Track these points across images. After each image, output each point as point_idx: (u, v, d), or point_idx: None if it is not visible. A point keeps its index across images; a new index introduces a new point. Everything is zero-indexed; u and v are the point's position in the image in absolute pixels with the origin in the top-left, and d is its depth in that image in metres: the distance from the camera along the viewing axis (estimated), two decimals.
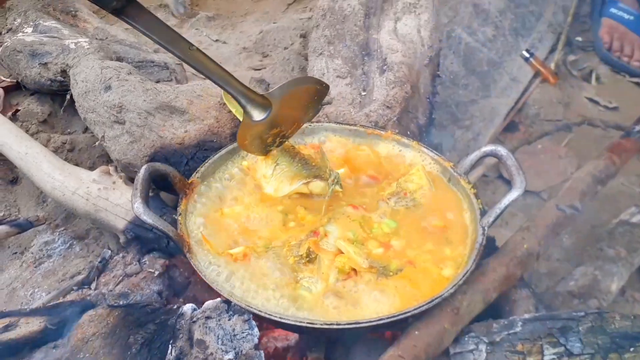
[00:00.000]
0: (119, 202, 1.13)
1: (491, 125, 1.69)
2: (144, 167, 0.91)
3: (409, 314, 0.78)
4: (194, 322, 0.82)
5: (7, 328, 1.01)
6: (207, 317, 0.81)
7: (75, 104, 1.28)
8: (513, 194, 0.91)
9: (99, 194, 1.14)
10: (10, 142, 1.27)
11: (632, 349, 0.78)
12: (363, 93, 1.26)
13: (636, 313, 0.88)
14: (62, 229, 1.35)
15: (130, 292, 1.07)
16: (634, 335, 0.78)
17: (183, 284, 1.11)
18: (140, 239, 1.12)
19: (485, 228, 0.91)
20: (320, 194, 0.98)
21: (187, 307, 0.85)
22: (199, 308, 0.84)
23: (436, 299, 0.80)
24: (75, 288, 1.12)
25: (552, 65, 1.92)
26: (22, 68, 1.56)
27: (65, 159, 1.47)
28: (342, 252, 0.88)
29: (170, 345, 0.80)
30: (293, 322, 0.78)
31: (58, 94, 1.58)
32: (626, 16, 2.03)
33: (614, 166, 1.18)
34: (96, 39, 1.56)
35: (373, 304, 0.83)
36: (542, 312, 0.93)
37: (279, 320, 0.78)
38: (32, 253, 1.28)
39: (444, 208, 0.99)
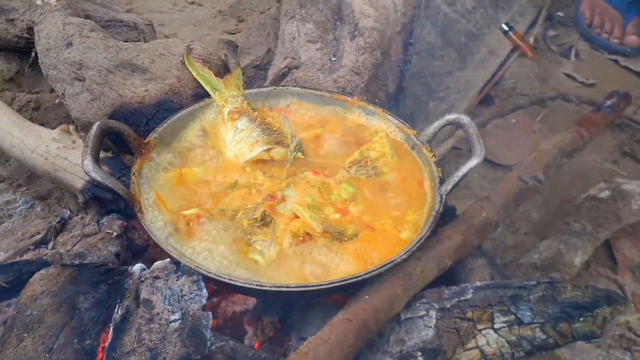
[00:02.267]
0: (78, 161, 1.10)
1: (466, 98, 1.67)
2: (97, 123, 0.89)
3: (358, 279, 0.77)
4: (142, 281, 0.80)
5: None
6: (155, 277, 0.80)
7: (39, 60, 1.24)
8: (472, 162, 0.89)
9: (58, 152, 1.11)
10: None
11: (581, 319, 0.77)
12: (333, 59, 1.24)
13: (588, 284, 0.88)
14: (24, 188, 1.33)
15: (87, 252, 1.05)
16: (584, 305, 0.78)
17: (141, 246, 1.09)
18: (99, 199, 1.10)
19: (443, 196, 0.90)
20: (281, 160, 0.96)
21: (136, 267, 0.84)
22: (148, 268, 0.82)
23: (388, 264, 0.79)
24: (32, 247, 1.10)
25: (531, 40, 1.90)
26: None
27: (30, 118, 1.44)
28: (298, 217, 0.87)
29: (117, 305, 0.79)
30: (242, 285, 0.77)
31: (25, 51, 1.53)
32: None
33: (581, 140, 1.18)
34: None
35: (327, 267, 0.82)
36: (498, 280, 0.92)
37: (228, 282, 0.77)
38: None
39: (405, 176, 0.97)
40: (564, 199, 1.51)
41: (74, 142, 1.14)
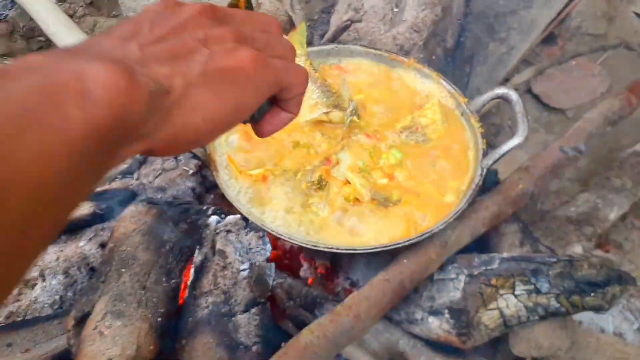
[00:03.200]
0: None
1: (528, 39, 1.68)
2: None
3: (399, 245, 0.90)
4: (217, 233, 0.96)
5: None
6: (228, 231, 0.95)
7: None
8: (514, 141, 0.97)
9: None
10: (61, 32, 1.36)
11: (592, 294, 0.88)
12: (395, 9, 1.29)
13: (605, 264, 0.98)
14: None
15: (167, 186, 1.22)
16: (596, 282, 0.88)
17: (213, 182, 1.24)
18: None
19: (484, 169, 0.99)
20: (338, 122, 1.06)
21: (212, 219, 0.99)
22: (222, 220, 0.98)
23: (426, 234, 0.91)
24: (119, 177, 1.27)
25: None
26: None
27: None
28: (349, 182, 0.99)
29: (197, 250, 0.95)
30: (299, 243, 0.91)
31: None
32: None
33: (629, 107, 1.21)
34: None
35: (374, 230, 0.95)
36: (527, 247, 1.04)
37: (288, 240, 0.91)
38: None
39: (452, 143, 1.06)
40: (612, 148, 1.56)
41: None
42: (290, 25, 1.22)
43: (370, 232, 0.94)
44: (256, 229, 0.94)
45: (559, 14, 1.75)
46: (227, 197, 0.95)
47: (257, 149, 1.04)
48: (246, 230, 0.94)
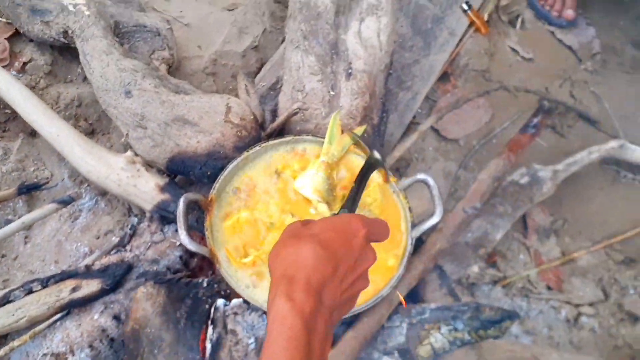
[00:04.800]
0: (146, 189, 1.48)
1: (428, 82, 2.04)
2: (181, 201, 1.27)
3: (368, 307, 1.26)
4: (227, 316, 1.27)
5: (74, 290, 1.42)
6: (235, 313, 1.26)
7: (95, 94, 1.54)
8: (434, 220, 1.35)
9: (128, 181, 1.48)
10: (42, 121, 1.54)
11: (492, 328, 1.31)
12: (332, 92, 1.59)
13: (500, 307, 1.40)
14: (86, 185, 1.69)
15: (159, 258, 1.49)
16: (495, 320, 1.31)
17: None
18: (163, 217, 1.50)
19: (413, 239, 1.37)
20: (319, 212, 1.38)
21: (220, 303, 1.30)
22: (228, 304, 1.29)
23: (380, 296, 1.28)
24: (114, 251, 1.52)
25: (485, 15, 2.22)
26: (24, 22, 1.74)
27: (75, 114, 1.75)
28: None
29: (211, 328, 1.26)
30: None
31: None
32: None
33: (510, 163, 1.63)
34: (93, 1, 1.71)
35: None
36: (444, 289, 1.44)
37: None
38: (66, 208, 1.63)
39: (389, 217, 1.42)
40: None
41: (138, 170, 1.50)
42: (256, 125, 1.49)
43: None
44: (256, 309, 1.26)
45: (450, 55, 2.12)
46: (232, 287, 1.26)
47: (237, 236, 1.35)
48: (249, 311, 1.26)
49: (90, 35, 1.60)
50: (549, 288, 1.80)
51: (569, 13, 2.27)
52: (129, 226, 1.54)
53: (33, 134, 1.74)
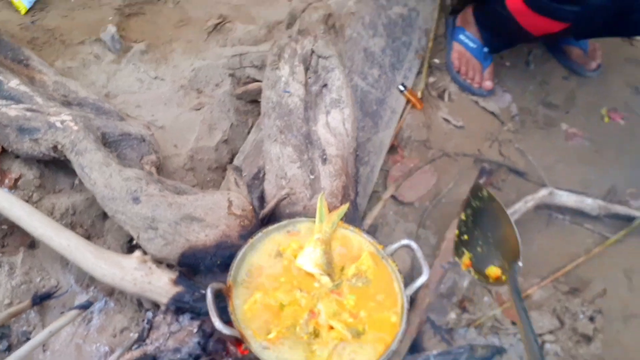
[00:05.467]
0: (160, 284, 1.62)
1: (381, 155, 2.32)
2: (209, 291, 1.43)
3: None
4: None
5: None
6: None
7: (100, 202, 1.68)
8: (422, 278, 1.58)
9: (143, 279, 1.62)
10: (50, 234, 1.65)
11: None
12: (311, 176, 1.82)
13: (490, 344, 1.63)
14: (92, 287, 1.79)
15: (180, 346, 1.62)
16: (487, 357, 1.53)
17: (210, 331, 1.67)
18: (179, 308, 1.64)
19: (408, 296, 1.59)
20: (322, 284, 1.57)
21: None
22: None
23: (390, 352, 1.47)
24: (135, 346, 1.63)
25: (419, 93, 2.55)
26: (13, 141, 1.86)
27: (71, 222, 1.87)
28: (332, 327, 1.51)
29: None
30: None
31: None
32: (470, 44, 2.68)
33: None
34: (79, 117, 1.87)
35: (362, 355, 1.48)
36: (434, 336, 1.66)
37: None
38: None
39: (383, 280, 1.63)
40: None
41: (150, 268, 1.64)
42: (256, 213, 1.68)
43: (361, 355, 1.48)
44: None
45: (395, 130, 2.42)
46: None
47: (257, 316, 1.51)
48: None
49: (83, 149, 1.75)
50: (513, 323, 2.06)
51: (487, 84, 2.65)
52: (145, 321, 1.66)
53: (32, 245, 1.83)
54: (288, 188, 1.76)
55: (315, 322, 1.51)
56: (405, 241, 1.64)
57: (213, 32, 2.49)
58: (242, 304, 1.53)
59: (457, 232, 1.49)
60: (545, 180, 2.45)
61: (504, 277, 1.33)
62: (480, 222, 1.46)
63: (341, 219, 1.69)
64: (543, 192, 2.29)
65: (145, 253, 1.67)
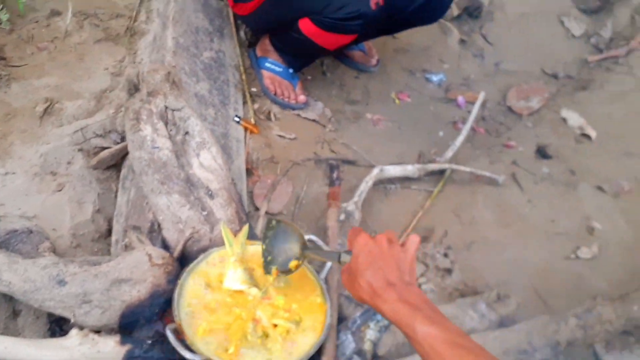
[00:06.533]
0: (108, 349, 1.71)
1: (243, 180, 2.60)
2: (170, 333, 1.61)
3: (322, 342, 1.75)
4: None
5: None
6: None
7: (21, 298, 1.72)
8: (329, 263, 1.91)
9: (91, 351, 1.70)
10: None
11: None
12: (204, 212, 2.05)
13: None
14: None
15: None
16: None
17: None
18: None
19: (323, 279, 1.91)
20: (254, 295, 1.81)
21: None
22: None
23: (327, 327, 1.78)
24: None
25: (252, 119, 2.89)
26: None
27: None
28: (276, 325, 1.77)
29: None
30: None
31: None
32: (277, 69, 3.08)
33: (338, 208, 2.29)
34: None
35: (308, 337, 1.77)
36: (353, 303, 2.00)
37: None
38: None
39: (299, 274, 1.92)
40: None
41: (93, 339, 1.73)
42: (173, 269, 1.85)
43: (305, 344, 1.76)
44: None
45: (244, 156, 2.71)
46: None
47: (213, 339, 1.72)
48: None
49: None
50: None
51: (301, 98, 3.08)
52: None
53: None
54: (190, 228, 1.97)
55: (261, 326, 1.76)
56: (307, 236, 1.96)
57: (45, 116, 2.55)
58: (195, 334, 1.72)
59: (262, 259, 1.82)
60: (372, 161, 2.93)
61: (300, 262, 1.76)
62: (276, 241, 1.83)
63: (247, 238, 1.95)
64: (376, 171, 2.77)
65: (81, 329, 1.76)
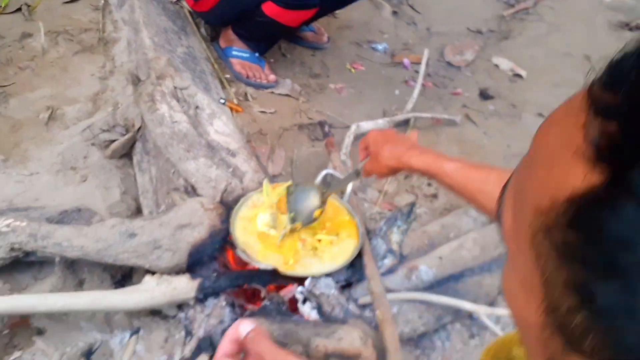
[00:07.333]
0: (183, 285, 1.97)
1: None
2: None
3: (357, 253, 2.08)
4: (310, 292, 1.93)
5: None
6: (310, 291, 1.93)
7: (96, 257, 1.95)
8: (350, 186, 2.25)
9: (168, 289, 1.96)
10: (72, 301, 1.87)
11: (410, 216, 2.27)
12: (229, 169, 2.34)
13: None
14: (115, 329, 2.02)
15: (221, 318, 2.01)
16: (409, 211, 2.27)
17: (232, 300, 2.08)
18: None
19: (347, 201, 2.24)
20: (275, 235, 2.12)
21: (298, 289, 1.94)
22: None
23: (362, 234, 2.11)
24: (188, 339, 1.96)
25: (234, 100, 3.19)
26: None
27: None
28: (320, 240, 2.09)
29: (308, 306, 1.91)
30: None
31: None
32: (244, 55, 3.39)
33: (338, 153, 2.64)
34: (18, 216, 2.07)
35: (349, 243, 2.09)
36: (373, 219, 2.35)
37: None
38: None
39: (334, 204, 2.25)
40: None
41: (167, 280, 1.98)
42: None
43: (348, 249, 2.08)
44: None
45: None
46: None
47: (271, 258, 2.02)
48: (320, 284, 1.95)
49: (46, 231, 2.00)
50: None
51: (272, 77, 3.40)
52: (183, 319, 2.00)
53: (40, 332, 1.99)
54: (224, 182, 2.25)
55: (309, 242, 2.08)
56: (324, 171, 2.29)
57: (50, 122, 2.74)
58: (256, 256, 2.01)
59: (289, 225, 2.14)
60: (346, 121, 3.29)
61: (322, 209, 2.09)
62: (297, 203, 2.14)
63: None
64: (353, 127, 3.12)
65: (153, 274, 2.01)
